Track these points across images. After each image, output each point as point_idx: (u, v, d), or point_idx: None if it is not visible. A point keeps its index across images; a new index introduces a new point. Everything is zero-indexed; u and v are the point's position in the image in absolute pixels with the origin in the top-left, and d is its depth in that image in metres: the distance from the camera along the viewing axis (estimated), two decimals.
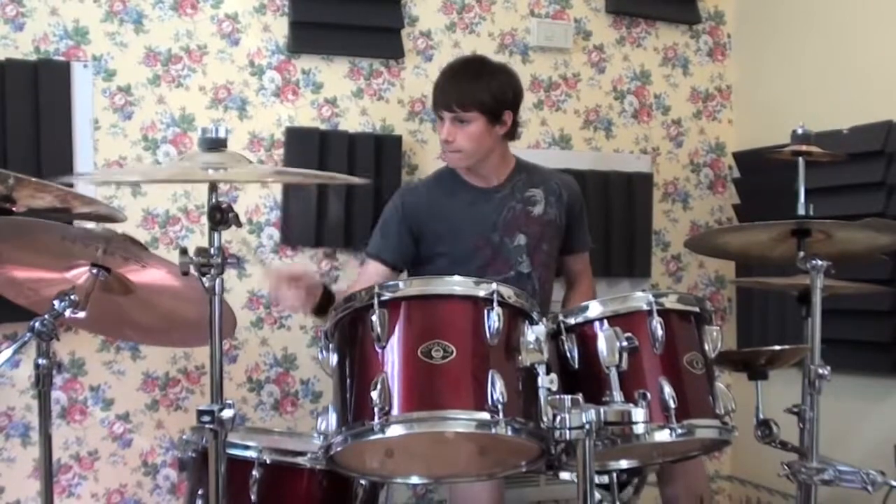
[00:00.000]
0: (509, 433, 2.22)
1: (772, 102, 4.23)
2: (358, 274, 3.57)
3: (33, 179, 2.38)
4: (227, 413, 2.15)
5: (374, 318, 2.26)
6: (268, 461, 2.59)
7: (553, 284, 3.44)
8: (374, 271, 3.28)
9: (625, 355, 2.34)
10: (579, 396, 2.16)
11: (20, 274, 2.68)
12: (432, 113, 3.31)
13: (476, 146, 3.19)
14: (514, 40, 4.11)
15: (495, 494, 2.88)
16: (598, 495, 2.47)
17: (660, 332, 2.45)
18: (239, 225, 2.21)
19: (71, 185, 3.26)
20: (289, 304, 3.15)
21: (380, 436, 2.21)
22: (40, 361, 2.45)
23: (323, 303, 3.03)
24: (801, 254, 2.75)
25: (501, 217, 3.27)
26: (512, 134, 3.30)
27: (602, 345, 2.35)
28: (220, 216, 2.16)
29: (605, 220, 4.12)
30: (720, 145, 4.46)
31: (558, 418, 2.14)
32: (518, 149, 3.62)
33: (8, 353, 2.43)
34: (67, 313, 2.42)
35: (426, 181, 3.53)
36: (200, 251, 2.14)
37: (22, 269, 2.66)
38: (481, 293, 2.32)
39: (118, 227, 2.68)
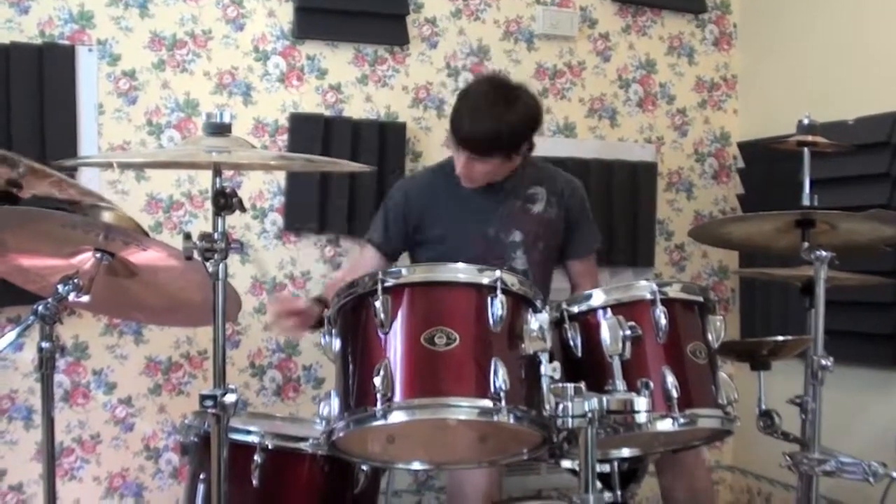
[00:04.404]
0: (511, 421, 2.22)
1: (777, 92, 4.23)
2: (355, 259, 3.59)
3: (48, 171, 2.39)
4: (230, 398, 2.14)
5: (378, 303, 2.26)
6: (270, 446, 2.60)
7: (550, 285, 3.43)
8: (371, 259, 3.31)
9: (628, 344, 2.33)
10: (582, 385, 2.17)
11: (27, 262, 2.67)
12: (449, 139, 3.24)
13: (491, 177, 3.20)
14: (520, 28, 4.10)
15: (493, 481, 2.89)
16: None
17: (663, 322, 2.45)
18: (243, 210, 2.20)
19: (75, 169, 3.29)
20: (287, 333, 3.39)
21: (382, 422, 2.21)
22: (43, 345, 2.44)
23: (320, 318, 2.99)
24: (805, 244, 2.74)
25: (499, 212, 3.26)
26: (527, 153, 3.27)
27: (605, 333, 2.34)
28: (224, 201, 2.15)
29: (609, 209, 4.12)
30: (725, 135, 4.45)
31: (561, 406, 2.15)
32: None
33: (11, 336, 2.43)
34: (71, 297, 2.42)
35: (429, 171, 3.54)
36: (204, 236, 2.14)
37: (28, 256, 2.66)
38: (485, 280, 2.32)
39: (121, 204, 2.69)
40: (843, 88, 3.80)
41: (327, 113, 3.80)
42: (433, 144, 3.91)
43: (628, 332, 2.33)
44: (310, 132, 3.73)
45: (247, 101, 3.72)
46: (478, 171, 3.14)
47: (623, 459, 2.63)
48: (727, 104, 4.47)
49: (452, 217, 3.26)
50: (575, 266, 3.42)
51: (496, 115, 3.05)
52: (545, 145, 3.78)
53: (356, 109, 3.85)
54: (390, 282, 2.30)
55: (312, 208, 3.73)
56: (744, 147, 4.30)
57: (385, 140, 3.81)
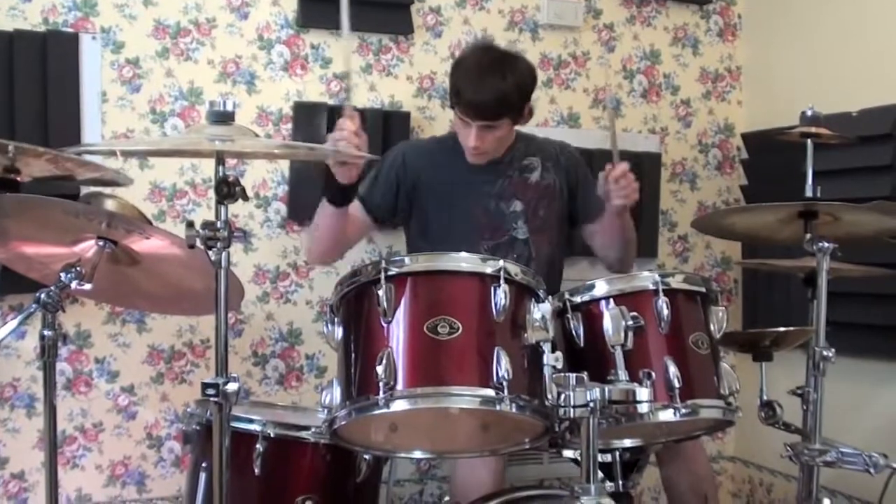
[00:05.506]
0: (514, 410, 2.22)
1: (781, 84, 4.22)
2: None
3: (40, 150, 2.38)
4: (232, 386, 2.15)
5: (381, 292, 2.26)
6: (272, 435, 2.60)
7: (562, 258, 3.43)
8: (353, 210, 3.20)
9: (630, 334, 2.34)
10: (584, 375, 2.17)
11: (29, 249, 2.68)
12: (452, 109, 3.23)
13: (501, 146, 3.24)
14: (524, 18, 4.09)
15: (497, 472, 2.89)
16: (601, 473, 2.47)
17: (665, 312, 2.45)
18: (246, 199, 2.20)
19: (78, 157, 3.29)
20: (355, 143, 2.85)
21: (384, 410, 2.21)
22: (45, 333, 2.45)
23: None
24: (808, 236, 2.74)
25: (498, 185, 3.28)
26: (524, 123, 3.30)
27: (608, 324, 2.35)
28: (227, 189, 2.15)
29: None
30: (729, 126, 4.45)
31: (563, 396, 2.15)
32: (526, 127, 3.61)
33: (13, 324, 2.45)
34: (73, 285, 2.42)
35: (430, 141, 3.59)
36: (207, 224, 2.14)
37: (30, 244, 2.67)
38: (488, 270, 2.32)
39: (124, 193, 2.70)
40: (848, 80, 3.79)
41: (331, 102, 3.79)
42: (437, 133, 3.90)
43: (630, 323, 2.35)
44: (314, 121, 3.72)
45: (251, 90, 3.72)
46: (489, 140, 3.15)
47: (625, 449, 2.63)
48: (731, 95, 4.46)
49: (452, 190, 3.26)
50: (593, 229, 3.42)
51: (499, 76, 3.09)
52: (549, 135, 3.77)
53: (360, 98, 3.84)
54: (393, 270, 2.30)
55: (316, 197, 3.71)
56: (748, 138, 4.29)
57: (389, 129, 3.80)
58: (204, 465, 2.70)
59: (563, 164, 3.40)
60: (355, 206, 3.23)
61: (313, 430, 2.62)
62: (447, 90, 3.57)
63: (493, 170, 3.29)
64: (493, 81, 3.07)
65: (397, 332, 2.26)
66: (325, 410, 2.36)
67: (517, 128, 3.40)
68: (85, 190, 3.08)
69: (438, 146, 3.42)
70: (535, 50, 4.08)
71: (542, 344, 2.30)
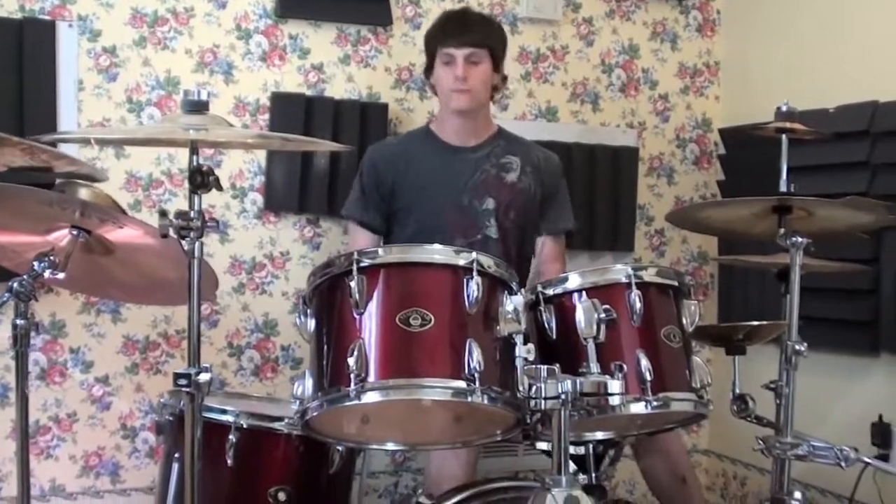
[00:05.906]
0: (485, 402, 2.22)
1: (759, 79, 4.23)
2: (349, 242, 3.57)
3: (14, 139, 2.37)
4: (204, 377, 2.14)
5: (353, 284, 2.25)
6: (245, 426, 2.61)
7: (530, 257, 3.44)
8: (364, 238, 3.32)
9: (602, 327, 2.33)
10: (556, 367, 2.17)
11: (2, 238, 2.66)
12: (428, 75, 3.31)
13: (485, 88, 3.28)
14: (504, 11, 4.09)
15: (469, 464, 2.91)
16: (573, 465, 2.48)
17: (638, 305, 2.45)
18: (220, 188, 2.19)
19: (53, 145, 3.27)
20: None
21: (355, 402, 2.21)
22: (18, 322, 2.44)
23: None
24: (782, 230, 2.75)
25: (473, 179, 3.29)
26: (498, 88, 3.38)
27: (580, 316, 2.34)
28: (201, 179, 2.15)
29: (590, 193, 4.12)
30: (707, 121, 4.46)
31: (534, 388, 2.15)
32: (504, 120, 3.62)
33: None
34: (46, 274, 2.41)
35: (398, 137, 3.62)
36: (180, 214, 2.13)
37: (3, 232, 2.65)
38: (461, 262, 2.31)
39: (99, 182, 2.69)
40: (826, 77, 3.81)
41: (309, 93, 3.79)
42: (415, 126, 3.89)
43: (603, 316, 2.34)
44: (291, 112, 3.72)
45: (228, 80, 3.71)
46: (474, 76, 3.21)
47: (598, 442, 2.64)
48: (709, 90, 4.47)
49: (425, 185, 3.28)
50: (545, 245, 3.43)
51: (481, 17, 3.44)
52: (526, 129, 3.78)
53: (338, 90, 3.83)
54: (366, 262, 2.29)
55: (293, 188, 3.72)
56: (725, 133, 4.31)
57: (366, 121, 3.80)
58: (177, 455, 2.70)
59: (543, 173, 3.41)
60: (365, 235, 3.33)
61: (286, 421, 2.62)
62: (425, 81, 3.58)
63: (470, 160, 3.29)
64: (474, 19, 3.36)
65: (369, 324, 2.26)
66: (297, 402, 2.36)
67: (501, 125, 3.41)
68: (59, 182, 3.06)
69: (408, 140, 3.45)
70: (514, 43, 4.07)
71: (514, 336, 2.29)
